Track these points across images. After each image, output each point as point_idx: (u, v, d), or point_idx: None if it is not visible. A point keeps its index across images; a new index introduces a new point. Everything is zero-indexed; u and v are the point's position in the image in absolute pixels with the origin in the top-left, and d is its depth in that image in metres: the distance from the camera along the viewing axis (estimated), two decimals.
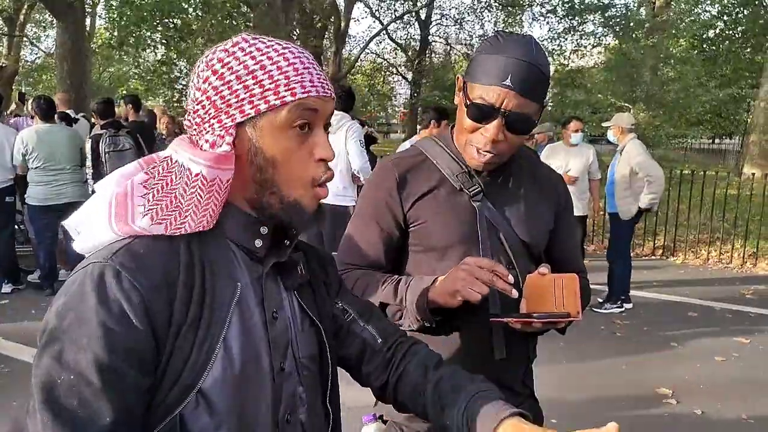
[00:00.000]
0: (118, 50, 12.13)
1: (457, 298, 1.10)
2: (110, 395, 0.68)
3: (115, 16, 11.54)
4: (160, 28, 11.98)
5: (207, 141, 0.77)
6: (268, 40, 0.79)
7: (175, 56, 13.48)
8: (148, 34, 12.09)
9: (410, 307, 1.17)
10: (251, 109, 0.76)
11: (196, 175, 0.76)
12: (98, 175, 4.83)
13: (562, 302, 1.14)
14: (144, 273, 0.72)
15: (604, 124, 5.39)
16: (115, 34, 11.61)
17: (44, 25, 22.47)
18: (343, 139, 4.03)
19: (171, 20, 11.78)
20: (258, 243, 0.82)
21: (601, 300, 5.07)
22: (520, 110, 1.14)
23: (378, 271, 1.29)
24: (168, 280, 0.73)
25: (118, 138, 4.97)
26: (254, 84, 0.76)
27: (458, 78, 1.25)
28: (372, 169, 4.57)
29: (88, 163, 4.87)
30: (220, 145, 0.76)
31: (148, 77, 15.49)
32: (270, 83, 0.76)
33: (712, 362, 3.98)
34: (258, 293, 0.82)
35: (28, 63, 24.68)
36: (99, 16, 20.19)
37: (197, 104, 0.78)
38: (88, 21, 16.85)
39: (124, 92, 22.08)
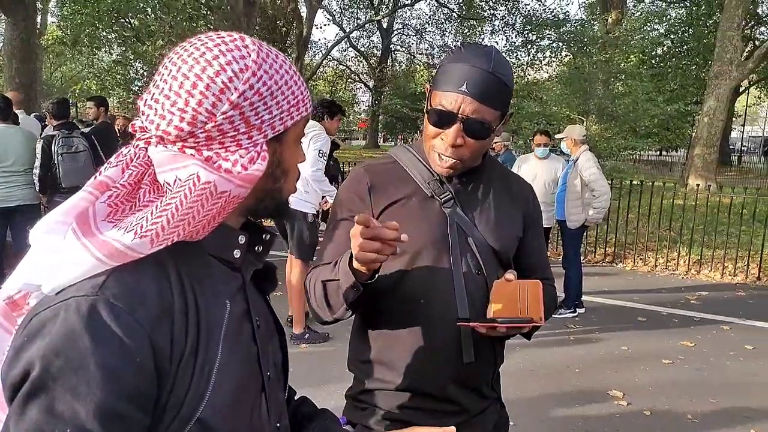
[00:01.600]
0: (71, 49, 11.73)
1: (363, 267, 1.09)
2: None
3: (69, 13, 11.18)
4: (116, 28, 11.67)
5: (234, 156, 0.72)
6: (271, 48, 0.77)
7: (131, 57, 13.14)
8: (104, 33, 11.76)
9: (343, 281, 1.15)
10: (281, 125, 0.75)
11: (222, 193, 0.70)
12: (49, 178, 4.67)
13: (526, 308, 1.18)
14: (141, 304, 0.65)
15: (557, 136, 5.57)
16: (69, 32, 11.24)
17: None
18: (306, 145, 4.19)
19: (128, 20, 11.50)
20: (236, 254, 0.80)
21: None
22: (477, 116, 1.19)
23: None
24: (165, 308, 0.67)
25: (72, 139, 4.83)
26: (283, 100, 0.75)
27: (425, 86, 1.30)
28: (323, 179, 4.61)
29: (37, 163, 4.70)
30: (254, 163, 0.73)
31: (103, 77, 15.04)
32: (294, 99, 0.76)
33: (660, 365, 4.16)
34: (243, 304, 0.80)
35: None
36: (51, 13, 19.48)
37: (224, 117, 0.69)
38: (39, 18, 16.23)
39: (77, 92, 21.33)
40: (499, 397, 1.46)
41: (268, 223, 5.90)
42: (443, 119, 1.20)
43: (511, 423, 3.23)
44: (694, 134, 15.31)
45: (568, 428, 3.24)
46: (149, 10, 10.88)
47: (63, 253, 0.66)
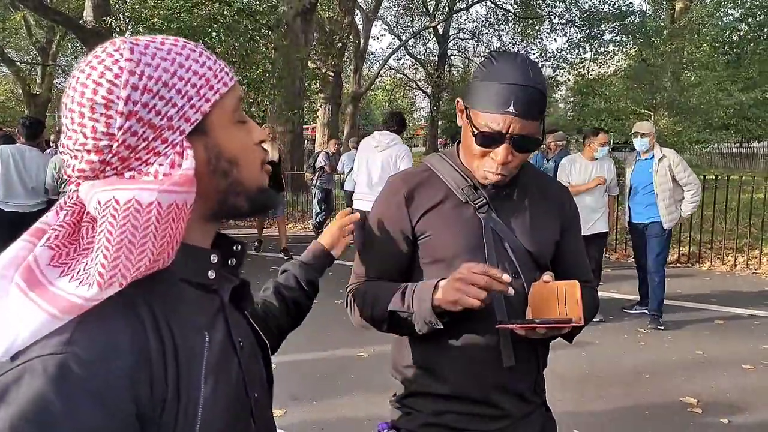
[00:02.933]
0: None
1: (457, 306, 1.15)
2: None
3: None
4: None
5: (154, 167, 0.65)
6: (153, 38, 0.69)
7: None
8: None
9: (417, 314, 1.23)
10: (196, 113, 0.67)
11: (149, 204, 0.62)
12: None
13: (564, 309, 1.17)
14: (116, 356, 0.59)
15: (638, 129, 4.96)
16: None
17: (75, 54, 23.27)
18: (394, 157, 4.97)
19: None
20: (211, 274, 0.73)
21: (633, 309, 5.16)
22: (525, 132, 1.20)
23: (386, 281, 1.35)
24: (142, 354, 0.61)
25: None
26: (185, 85, 0.66)
27: (458, 102, 1.31)
28: None
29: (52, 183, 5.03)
30: (181, 164, 0.65)
31: None
32: (199, 80, 0.67)
33: (740, 371, 3.91)
34: (223, 328, 0.74)
35: (61, 91, 25.57)
36: None
37: (123, 132, 0.63)
38: None
39: None
40: (544, 402, 1.44)
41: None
42: (492, 140, 1.21)
43: (576, 431, 3.14)
44: None
45: None
46: (213, 33, 11.42)
47: (10, 311, 0.59)
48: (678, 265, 7.13)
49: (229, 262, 0.79)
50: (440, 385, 1.32)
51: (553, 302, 1.18)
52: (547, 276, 1.22)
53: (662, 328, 4.75)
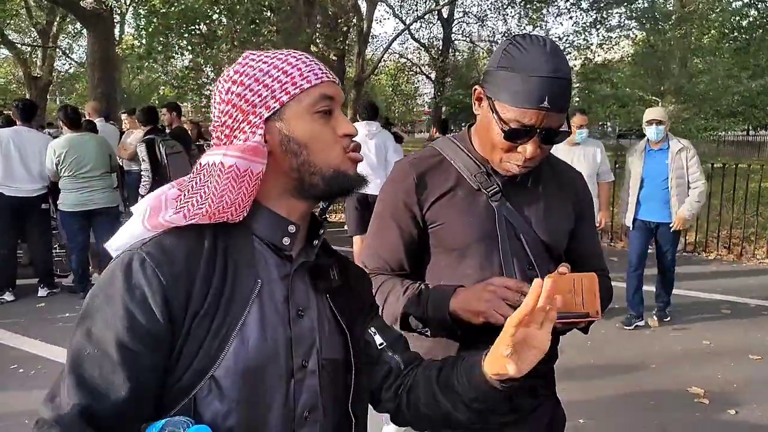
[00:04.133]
0: (146, 59, 12.38)
1: (479, 318, 1.10)
2: (126, 372, 0.75)
3: (143, 24, 11.80)
4: (186, 36, 12.20)
5: (242, 141, 0.84)
6: (273, 52, 0.88)
7: (202, 62, 13.72)
8: (176, 41, 12.32)
9: (432, 319, 1.19)
10: (275, 102, 0.84)
11: (230, 167, 0.81)
12: (160, 176, 5.04)
13: (581, 302, 1.13)
14: (166, 262, 0.78)
15: (652, 116, 4.46)
16: (143, 42, 11.88)
17: (76, 36, 23.08)
18: (384, 141, 5.43)
19: (197, 27, 12.00)
20: (286, 241, 0.87)
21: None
22: (555, 125, 1.15)
23: (400, 276, 1.30)
24: (188, 270, 0.79)
25: (169, 141, 5.27)
26: (272, 81, 0.84)
27: (476, 89, 1.23)
28: None
29: (145, 165, 5.12)
30: (253, 139, 0.83)
31: (177, 84, 15.77)
32: (286, 77, 0.84)
33: (747, 361, 3.87)
34: (283, 291, 0.86)
35: (62, 73, 25.43)
36: (128, 24, 20.67)
37: (224, 115, 0.85)
38: (117, 29, 17.26)
39: (156, 100, 22.56)
40: (553, 394, 1.40)
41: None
42: (521, 135, 1.15)
43: (581, 421, 3.12)
44: None
45: (642, 428, 3.07)
46: (215, 16, 11.28)
47: (130, 223, 0.86)
48: (685, 253, 7.06)
49: (314, 242, 0.93)
50: None
51: (570, 295, 1.13)
52: (563, 267, 1.16)
53: (668, 318, 4.65)
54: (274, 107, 0.84)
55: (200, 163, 0.86)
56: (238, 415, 0.80)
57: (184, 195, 0.83)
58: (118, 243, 0.87)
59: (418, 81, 33.58)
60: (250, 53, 0.89)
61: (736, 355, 3.95)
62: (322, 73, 0.86)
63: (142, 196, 4.85)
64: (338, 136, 0.87)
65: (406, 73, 30.81)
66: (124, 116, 7.38)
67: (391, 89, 32.24)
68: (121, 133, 7.39)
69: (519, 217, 1.26)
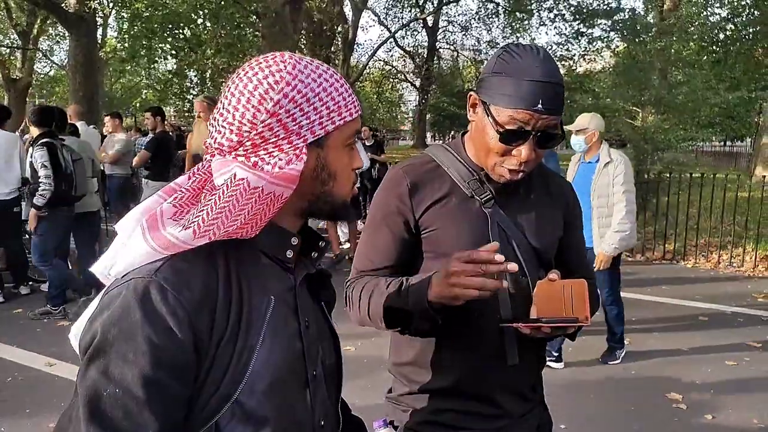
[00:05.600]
0: (129, 63, 12.28)
1: (460, 301, 1.10)
2: (154, 408, 0.71)
3: (126, 27, 11.71)
4: (170, 40, 12.13)
5: (274, 159, 0.79)
6: (312, 61, 0.84)
7: (185, 67, 13.65)
8: (159, 45, 12.25)
9: (414, 310, 1.18)
10: (321, 129, 0.81)
11: (255, 188, 0.77)
12: (67, 184, 4.60)
13: (571, 307, 1.14)
14: (187, 288, 0.74)
15: (568, 127, 3.88)
16: (126, 45, 11.78)
17: (57, 38, 22.80)
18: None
19: (181, 31, 11.94)
20: (289, 254, 0.86)
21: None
22: (550, 128, 1.17)
23: (386, 276, 1.30)
24: (209, 294, 0.76)
25: (67, 147, 4.75)
26: (322, 106, 0.80)
27: (470, 96, 1.25)
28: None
29: (46, 172, 4.45)
30: (290, 164, 0.79)
31: (160, 88, 15.66)
32: (334, 105, 0.82)
33: (724, 367, 3.94)
34: (291, 303, 0.86)
35: (42, 76, 25.07)
36: (110, 27, 20.48)
37: (262, 125, 0.78)
38: (99, 31, 17.08)
39: (137, 104, 22.33)
40: (541, 399, 1.42)
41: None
42: (516, 137, 1.17)
43: (562, 426, 3.15)
44: (760, 122, 14.46)
45: None
46: (199, 20, 11.25)
47: (131, 245, 0.78)
48: (663, 261, 7.18)
49: (312, 254, 0.92)
50: (440, 383, 1.29)
51: (560, 301, 1.15)
52: (553, 274, 1.19)
53: (618, 361, 3.97)
54: (319, 134, 0.81)
55: (229, 176, 0.79)
56: None
57: (209, 213, 0.77)
58: (118, 267, 0.79)
59: (403, 88, 33.77)
60: (296, 60, 0.81)
61: (713, 361, 4.02)
62: (359, 106, 0.86)
63: (40, 207, 4.55)
64: (352, 169, 0.89)
65: (391, 80, 30.97)
66: (106, 119, 7.30)
67: (375, 96, 32.34)
68: (103, 136, 7.31)
69: (511, 224, 1.28)
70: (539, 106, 1.12)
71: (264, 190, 0.77)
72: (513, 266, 1.04)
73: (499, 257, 1.04)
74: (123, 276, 0.77)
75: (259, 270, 0.83)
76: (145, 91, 19.90)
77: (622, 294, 4.29)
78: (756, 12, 19.48)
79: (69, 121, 5.58)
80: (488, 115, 1.18)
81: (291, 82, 0.78)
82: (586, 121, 3.88)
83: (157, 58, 13.21)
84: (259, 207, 0.78)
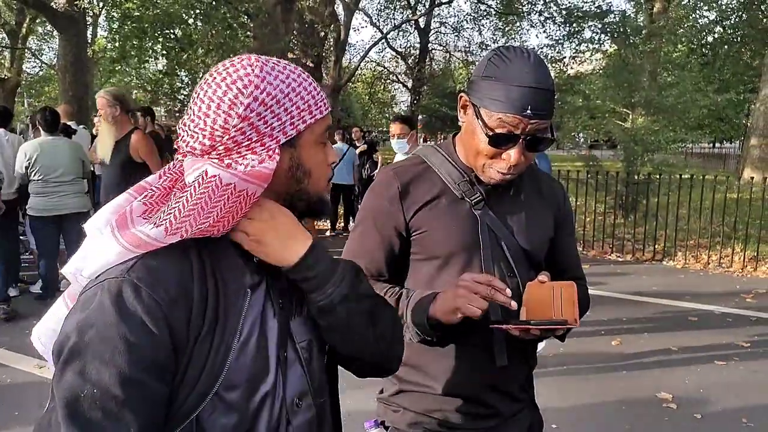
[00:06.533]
0: (119, 62, 12.19)
1: (457, 315, 1.12)
2: (134, 407, 0.71)
3: (116, 27, 11.63)
4: (161, 40, 12.06)
5: (246, 161, 0.79)
6: (278, 61, 0.84)
7: (176, 67, 13.57)
8: (150, 45, 12.18)
9: (411, 324, 1.19)
10: (293, 130, 0.82)
11: (227, 185, 0.78)
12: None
13: (560, 310, 1.15)
14: (162, 286, 0.74)
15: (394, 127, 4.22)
16: (116, 45, 11.70)
17: (46, 37, 22.61)
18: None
19: (172, 31, 11.88)
20: (256, 259, 0.86)
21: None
22: (540, 132, 1.17)
23: (379, 281, 1.30)
24: (184, 291, 0.76)
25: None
26: (292, 106, 0.81)
27: (461, 97, 1.26)
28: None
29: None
30: (265, 164, 0.80)
31: (150, 88, 15.58)
32: (304, 104, 0.83)
33: (713, 366, 3.97)
34: (264, 289, 0.86)
35: (30, 75, 24.85)
36: (100, 26, 20.34)
37: (234, 130, 0.78)
38: (89, 31, 16.96)
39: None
40: (532, 399, 1.42)
41: None
42: (506, 141, 1.17)
43: (554, 426, 3.16)
44: (749, 124, 14.61)
45: None
46: (191, 20, 11.19)
47: (101, 245, 0.78)
48: (653, 262, 7.24)
49: None
50: (431, 383, 1.30)
51: (549, 303, 1.16)
52: (543, 276, 1.19)
53: None
54: (291, 134, 0.82)
55: (198, 174, 0.80)
56: (242, 422, 0.81)
57: (180, 210, 0.77)
58: (91, 268, 0.78)
59: (395, 89, 33.80)
60: (263, 62, 0.82)
61: (702, 361, 4.06)
62: (328, 103, 0.88)
63: None
64: (326, 165, 0.90)
65: (383, 81, 30.98)
66: (96, 120, 7.25)
67: (367, 97, 32.33)
68: (93, 137, 7.25)
69: (501, 226, 1.28)
70: (528, 111, 1.13)
71: (236, 188, 0.78)
72: (514, 304, 1.12)
73: (509, 292, 1.10)
74: (96, 277, 0.77)
75: (234, 263, 0.83)
76: (135, 91, 19.81)
77: (612, 294, 4.32)
78: (744, 15, 19.69)
79: (63, 121, 5.54)
80: (478, 118, 1.18)
81: (260, 85, 0.79)
82: (405, 125, 4.26)
83: (147, 58, 13.14)
84: (231, 205, 0.78)
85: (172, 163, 0.86)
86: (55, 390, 0.72)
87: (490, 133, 1.16)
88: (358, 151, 9.14)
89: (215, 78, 0.80)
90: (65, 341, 0.73)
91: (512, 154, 1.17)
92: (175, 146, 0.85)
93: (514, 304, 1.10)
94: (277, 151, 0.81)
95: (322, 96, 0.86)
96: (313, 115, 0.84)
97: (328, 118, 0.88)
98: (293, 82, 0.82)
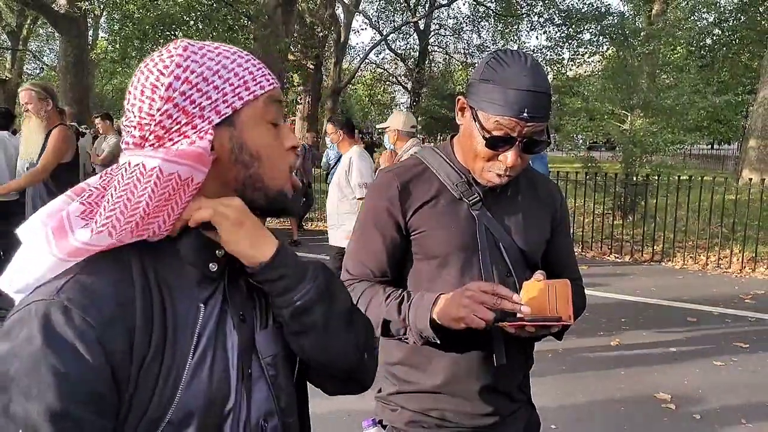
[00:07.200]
0: (120, 64, 12.21)
1: (461, 324, 1.13)
2: None
3: (117, 29, 11.66)
4: (162, 41, 12.09)
5: (181, 145, 0.72)
6: (209, 43, 0.78)
7: None
8: (151, 46, 12.21)
9: (413, 327, 1.21)
10: (227, 108, 0.74)
11: (151, 169, 0.70)
12: None
13: (555, 308, 1.17)
14: (96, 306, 0.66)
15: (379, 126, 4.36)
16: (117, 47, 11.73)
17: (47, 39, 22.63)
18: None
19: (173, 33, 11.91)
20: (213, 267, 0.77)
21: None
22: (536, 135, 1.19)
23: (381, 283, 1.32)
24: (124, 309, 0.67)
25: None
26: (223, 83, 0.74)
27: (459, 99, 1.28)
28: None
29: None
30: (196, 144, 0.72)
31: None
32: (238, 80, 0.75)
33: (711, 367, 4.00)
34: (219, 303, 0.78)
35: (31, 77, 24.88)
36: (101, 28, 20.35)
37: (160, 114, 0.71)
38: (90, 33, 16.98)
39: None
40: (529, 399, 1.44)
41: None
42: (502, 143, 1.19)
43: (553, 426, 3.18)
44: (747, 126, 14.64)
45: None
46: (191, 22, 11.21)
47: (32, 253, 0.69)
48: (651, 263, 7.26)
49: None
50: (429, 382, 1.31)
51: (544, 301, 1.18)
52: (539, 275, 1.21)
53: None
54: (226, 112, 0.74)
55: (120, 165, 0.73)
56: None
57: (106, 206, 0.69)
58: (20, 283, 0.69)
59: (395, 91, 33.85)
60: (188, 43, 0.75)
61: (701, 361, 4.08)
62: (272, 78, 0.79)
63: None
64: (285, 150, 0.81)
65: (383, 83, 31.03)
66: (97, 120, 7.27)
67: (367, 99, 32.38)
68: (94, 138, 7.29)
69: (499, 226, 1.30)
70: (525, 114, 1.15)
71: (163, 171, 0.69)
72: (526, 309, 1.11)
73: (517, 297, 1.11)
74: (25, 297, 0.69)
75: (182, 273, 0.74)
76: None
77: (611, 295, 4.34)
78: (742, 17, 19.75)
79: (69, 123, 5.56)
80: (475, 121, 1.21)
81: (182, 64, 0.72)
82: (391, 120, 4.27)
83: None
84: (161, 192, 0.70)
85: (117, 163, 0.78)
86: None
87: (487, 136, 1.19)
88: None
89: (141, 68, 0.74)
90: None
91: (509, 156, 1.19)
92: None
93: (525, 309, 1.10)
94: (210, 131, 0.73)
95: (262, 72, 0.78)
96: (251, 90, 0.75)
97: (275, 95, 0.79)
98: (225, 59, 0.75)
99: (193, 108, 0.72)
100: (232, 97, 0.74)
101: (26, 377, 0.62)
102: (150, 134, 0.72)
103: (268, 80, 0.78)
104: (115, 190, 0.69)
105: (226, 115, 0.74)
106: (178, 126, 0.72)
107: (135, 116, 0.73)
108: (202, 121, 0.73)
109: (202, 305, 0.74)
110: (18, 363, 0.62)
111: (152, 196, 0.69)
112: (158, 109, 0.71)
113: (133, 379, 0.67)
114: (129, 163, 0.71)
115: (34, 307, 0.65)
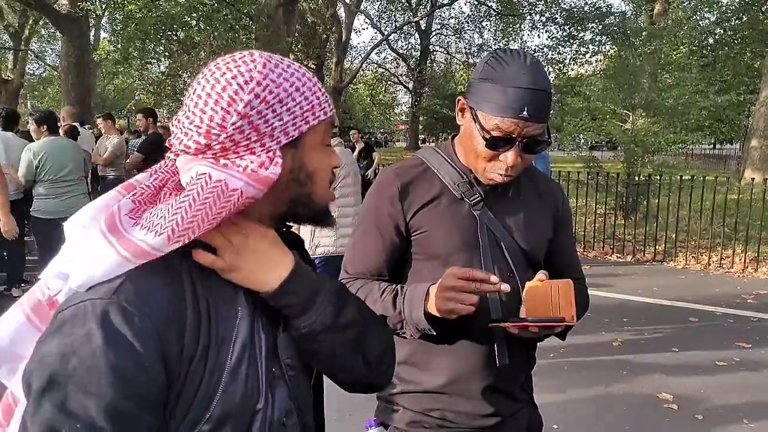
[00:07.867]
0: (122, 64, 12.23)
1: (452, 315, 1.14)
2: None
3: (119, 29, 11.68)
4: (163, 41, 12.12)
5: (245, 162, 0.74)
6: (282, 59, 0.79)
7: (179, 68, 13.62)
8: (152, 46, 12.23)
9: (409, 320, 1.21)
10: (295, 131, 0.76)
11: (234, 190, 0.72)
12: None
13: (558, 308, 1.17)
14: (152, 308, 0.68)
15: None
16: (119, 47, 11.75)
17: (49, 39, 22.67)
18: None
19: (174, 33, 11.93)
20: None
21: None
22: (537, 134, 1.19)
23: (378, 280, 1.32)
24: (176, 312, 0.70)
25: None
26: (295, 106, 0.76)
27: (459, 100, 1.27)
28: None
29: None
30: (268, 168, 0.74)
31: (153, 90, 15.62)
32: (308, 105, 0.77)
33: (713, 367, 3.99)
34: (252, 305, 0.81)
35: (33, 77, 24.91)
36: (103, 28, 20.39)
37: (232, 128, 0.72)
38: (92, 33, 17.01)
39: (133, 106, 22.28)
40: (531, 399, 1.44)
41: None
42: (503, 143, 1.19)
43: (554, 426, 3.18)
44: (749, 126, 14.63)
45: None
46: (193, 23, 11.21)
47: (91, 250, 0.70)
48: (653, 263, 7.25)
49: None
50: (431, 382, 1.31)
51: (547, 301, 1.18)
52: (541, 275, 1.22)
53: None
54: (294, 135, 0.77)
55: (196, 174, 0.74)
56: None
57: (170, 209, 0.71)
58: (80, 278, 0.69)
59: (396, 91, 33.86)
60: (266, 59, 0.77)
61: (703, 362, 4.07)
62: (332, 104, 0.83)
63: None
64: (330, 168, 0.85)
65: (384, 82, 31.04)
66: (99, 120, 7.28)
67: (369, 98, 32.40)
68: (97, 137, 7.30)
69: (500, 226, 1.30)
70: (524, 114, 1.14)
71: (243, 193, 0.72)
72: (506, 287, 1.10)
73: (494, 278, 1.10)
74: (74, 294, 0.70)
75: (222, 279, 0.77)
76: (139, 93, 19.85)
77: (613, 295, 4.34)
78: (744, 17, 19.71)
79: (65, 123, 5.58)
80: (475, 121, 1.20)
81: (262, 82, 0.73)
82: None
83: (150, 60, 13.18)
84: (227, 207, 0.72)
85: (164, 161, 0.80)
86: (29, 424, 0.64)
87: (487, 136, 1.18)
88: (355, 153, 9.24)
89: (214, 73, 0.74)
90: (42, 369, 0.65)
91: (509, 156, 1.19)
92: (167, 144, 0.78)
93: (505, 287, 1.10)
94: (278, 153, 0.75)
95: (326, 97, 0.82)
96: (316, 116, 0.79)
97: (332, 120, 0.83)
98: (297, 81, 0.77)
99: (266, 127, 0.74)
100: (301, 120, 0.77)
101: (86, 373, 0.63)
102: (217, 144, 0.73)
103: (329, 105, 0.82)
104: (195, 200, 0.71)
105: (293, 137, 0.77)
106: (248, 142, 0.74)
107: (204, 124, 0.73)
108: (271, 141, 0.75)
109: (239, 308, 0.77)
110: (76, 359, 0.64)
111: (226, 214, 0.72)
112: (232, 123, 0.72)
113: (181, 380, 0.70)
114: (209, 176, 0.72)
115: (90, 305, 0.67)
